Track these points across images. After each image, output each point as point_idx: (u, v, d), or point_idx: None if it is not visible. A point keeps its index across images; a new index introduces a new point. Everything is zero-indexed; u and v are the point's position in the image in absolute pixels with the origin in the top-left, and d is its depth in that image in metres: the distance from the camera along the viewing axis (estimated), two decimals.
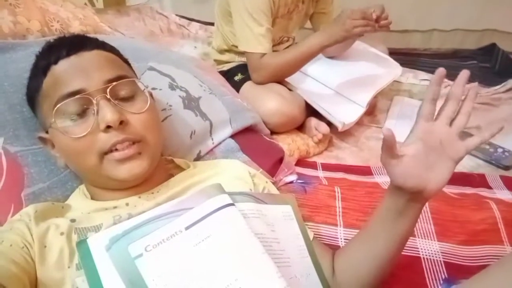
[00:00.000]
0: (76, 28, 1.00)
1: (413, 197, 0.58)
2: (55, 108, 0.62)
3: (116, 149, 0.62)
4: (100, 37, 0.77)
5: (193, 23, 1.96)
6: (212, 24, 1.81)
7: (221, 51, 1.53)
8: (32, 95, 0.69)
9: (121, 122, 0.61)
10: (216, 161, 0.84)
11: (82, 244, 0.54)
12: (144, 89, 0.69)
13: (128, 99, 0.66)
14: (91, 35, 0.77)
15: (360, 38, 1.38)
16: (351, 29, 1.18)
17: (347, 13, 1.18)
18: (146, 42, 1.20)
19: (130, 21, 1.81)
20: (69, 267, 0.57)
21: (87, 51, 0.66)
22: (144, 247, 0.53)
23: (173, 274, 0.51)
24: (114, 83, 0.63)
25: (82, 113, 0.63)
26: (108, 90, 0.62)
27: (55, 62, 0.65)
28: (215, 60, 1.58)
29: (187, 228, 0.55)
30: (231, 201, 0.60)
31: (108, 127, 0.61)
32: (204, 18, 1.97)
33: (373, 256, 0.64)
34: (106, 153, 0.62)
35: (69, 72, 0.64)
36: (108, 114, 0.60)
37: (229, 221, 0.58)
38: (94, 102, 0.61)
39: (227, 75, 1.41)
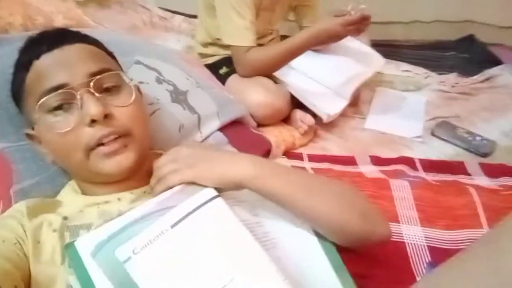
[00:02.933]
0: (60, 22, 0.98)
1: None
2: (38, 103, 0.61)
3: (103, 144, 0.61)
4: (84, 31, 0.76)
5: (176, 16, 1.94)
6: (195, 16, 1.80)
7: (205, 45, 1.53)
8: (16, 91, 0.68)
9: (106, 116, 0.61)
10: None
11: (70, 247, 0.52)
12: (129, 81, 0.68)
13: (113, 92, 0.65)
14: (74, 29, 0.76)
15: None
16: (343, 36, 1.26)
17: (341, 29, 1.23)
18: (132, 36, 1.19)
19: (112, 14, 1.79)
20: (61, 264, 0.57)
21: (69, 44, 0.65)
22: (131, 250, 0.52)
23: (164, 274, 0.51)
24: (98, 77, 0.63)
25: (66, 108, 0.62)
26: (91, 83, 0.61)
27: (37, 57, 0.64)
28: (199, 54, 1.57)
29: (172, 226, 0.54)
30: (216, 194, 0.58)
31: (93, 121, 0.60)
32: (188, 11, 1.96)
33: None
34: (92, 148, 0.61)
35: (52, 66, 0.63)
36: (92, 107, 0.59)
37: (216, 214, 0.57)
38: (78, 96, 0.61)
39: (212, 68, 1.41)
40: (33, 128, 0.67)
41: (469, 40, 1.99)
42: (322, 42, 1.32)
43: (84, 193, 0.69)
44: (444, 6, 1.94)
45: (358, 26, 1.25)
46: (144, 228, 0.54)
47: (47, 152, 0.68)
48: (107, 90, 0.65)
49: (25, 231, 0.59)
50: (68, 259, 0.53)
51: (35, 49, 0.65)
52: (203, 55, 1.55)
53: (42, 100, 0.61)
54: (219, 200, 0.58)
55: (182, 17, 1.95)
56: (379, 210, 0.67)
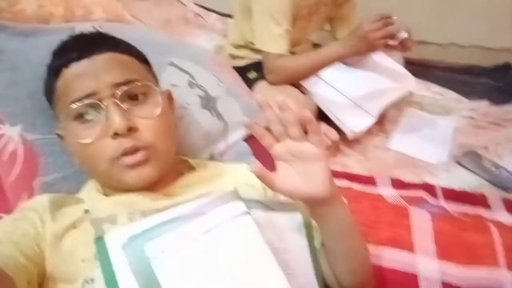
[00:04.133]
0: (99, 15, 0.99)
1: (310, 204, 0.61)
2: (65, 113, 0.63)
3: (125, 154, 0.62)
4: (122, 29, 0.77)
5: (211, 13, 1.94)
6: (229, 16, 1.80)
7: (237, 47, 1.53)
8: (48, 93, 0.70)
9: (129, 129, 0.61)
10: (228, 165, 0.83)
11: (99, 240, 0.54)
12: (158, 90, 0.68)
13: (139, 102, 0.65)
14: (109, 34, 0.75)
15: None
16: (374, 43, 1.18)
17: (367, 27, 1.18)
18: (167, 35, 1.19)
19: (147, 6, 1.80)
20: (83, 261, 0.57)
21: (99, 54, 0.66)
22: (160, 248, 0.53)
23: (187, 278, 0.52)
24: (125, 88, 0.63)
25: (93, 117, 0.63)
26: (117, 94, 0.62)
27: (66, 65, 0.65)
28: (229, 55, 1.57)
29: (203, 233, 0.56)
30: (246, 210, 0.60)
31: (116, 133, 0.61)
32: (223, 10, 1.95)
33: (333, 252, 0.67)
34: (117, 158, 0.62)
35: (79, 76, 0.64)
36: (116, 120, 0.60)
37: (244, 230, 0.58)
38: (104, 107, 0.62)
39: (241, 71, 1.40)
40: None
41: (505, 68, 1.93)
42: (352, 49, 1.26)
43: (105, 194, 0.69)
44: (481, 31, 1.89)
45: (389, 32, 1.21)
46: (177, 229, 0.55)
47: (74, 154, 0.69)
48: (134, 99, 0.65)
49: (44, 226, 0.60)
50: (97, 253, 0.54)
51: (65, 56, 0.66)
52: (233, 57, 1.55)
53: (69, 110, 0.62)
54: (249, 217, 0.59)
55: (216, 15, 1.94)
56: None
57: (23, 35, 0.82)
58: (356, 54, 1.27)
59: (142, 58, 0.73)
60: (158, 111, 0.65)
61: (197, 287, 0.52)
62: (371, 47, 1.22)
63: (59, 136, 0.70)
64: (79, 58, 0.65)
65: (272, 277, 0.55)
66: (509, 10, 1.82)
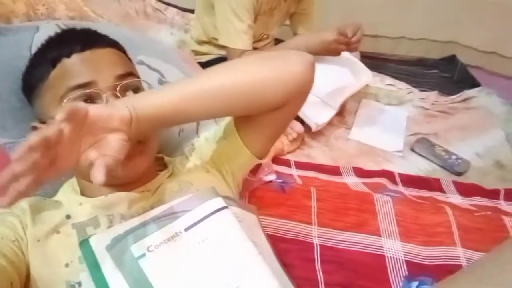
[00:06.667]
0: (61, 12, 0.97)
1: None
2: (66, 99, 0.62)
3: None
4: (88, 25, 0.77)
5: (170, 8, 1.91)
6: (189, 11, 1.79)
7: (200, 42, 1.53)
8: (33, 84, 0.68)
9: None
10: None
11: (84, 243, 0.55)
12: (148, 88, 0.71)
13: None
14: (76, 22, 0.76)
15: None
16: (334, 51, 1.28)
17: (333, 36, 1.25)
18: (133, 32, 1.18)
19: (104, 1, 1.75)
20: (66, 265, 0.57)
21: (101, 48, 0.67)
22: (146, 247, 0.55)
23: (176, 273, 0.54)
24: (125, 82, 0.65)
25: None
26: (118, 87, 0.63)
27: (68, 56, 0.65)
28: (192, 51, 1.56)
29: (186, 229, 0.58)
30: (225, 204, 0.63)
31: None
32: (182, 4, 1.94)
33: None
34: None
35: (81, 65, 0.65)
36: None
37: (225, 223, 0.61)
38: (104, 98, 0.62)
39: (206, 67, 1.41)
40: (43, 123, 0.67)
41: (451, 60, 2.06)
42: (313, 49, 1.31)
43: (83, 192, 0.69)
44: (431, 25, 2.00)
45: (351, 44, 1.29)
46: (160, 228, 0.57)
47: None
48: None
49: (24, 229, 0.59)
50: (82, 257, 0.55)
51: (66, 47, 0.66)
52: (196, 52, 1.55)
53: (68, 97, 0.62)
54: (228, 211, 0.62)
55: (175, 10, 1.92)
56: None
57: None
58: (314, 54, 1.33)
59: (130, 58, 0.75)
60: None
61: (186, 280, 0.54)
62: (328, 53, 1.33)
63: (36, 129, 0.68)
64: (82, 49, 0.65)
65: (256, 264, 0.59)
66: (454, 5, 1.94)
